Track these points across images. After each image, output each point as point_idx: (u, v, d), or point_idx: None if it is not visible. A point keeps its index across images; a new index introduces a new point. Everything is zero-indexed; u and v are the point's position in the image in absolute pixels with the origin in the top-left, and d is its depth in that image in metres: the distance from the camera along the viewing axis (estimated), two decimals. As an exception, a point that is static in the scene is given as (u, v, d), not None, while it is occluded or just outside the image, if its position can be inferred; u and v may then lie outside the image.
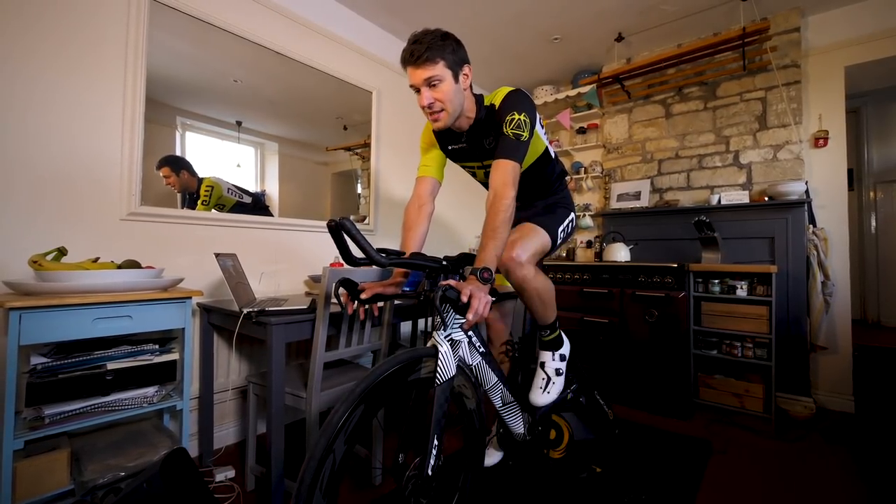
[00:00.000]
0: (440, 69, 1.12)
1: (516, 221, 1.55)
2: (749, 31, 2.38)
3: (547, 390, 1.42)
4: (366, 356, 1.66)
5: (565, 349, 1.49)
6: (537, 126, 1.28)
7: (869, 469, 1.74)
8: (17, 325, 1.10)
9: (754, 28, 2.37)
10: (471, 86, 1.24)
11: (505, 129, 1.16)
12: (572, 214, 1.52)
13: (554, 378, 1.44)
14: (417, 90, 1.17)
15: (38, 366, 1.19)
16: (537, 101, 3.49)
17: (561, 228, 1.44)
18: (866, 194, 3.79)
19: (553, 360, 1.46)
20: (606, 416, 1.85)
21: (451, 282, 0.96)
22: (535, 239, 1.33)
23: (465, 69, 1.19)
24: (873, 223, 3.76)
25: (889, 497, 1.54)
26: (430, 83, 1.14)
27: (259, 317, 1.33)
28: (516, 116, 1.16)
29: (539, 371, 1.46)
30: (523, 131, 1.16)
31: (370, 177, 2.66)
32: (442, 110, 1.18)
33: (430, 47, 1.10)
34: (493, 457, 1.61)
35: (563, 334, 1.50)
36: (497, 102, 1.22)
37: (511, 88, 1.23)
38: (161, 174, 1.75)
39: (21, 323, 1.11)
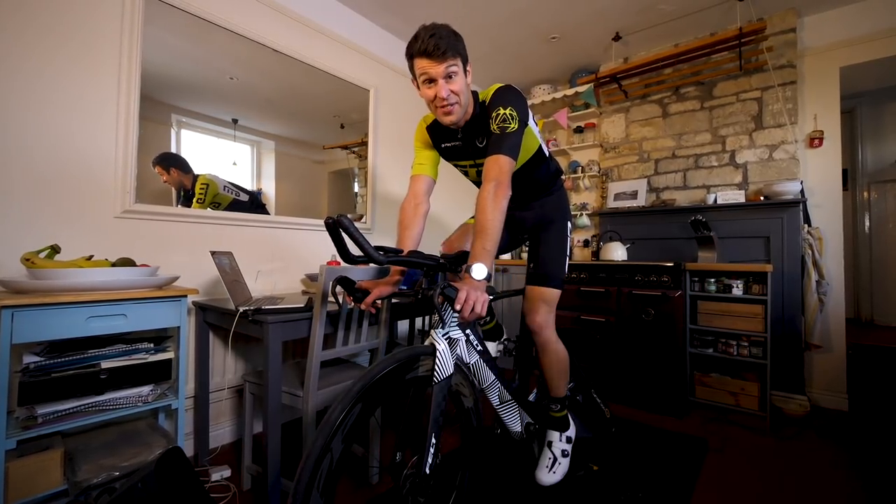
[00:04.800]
0: (458, 62, 1.14)
1: (516, 227, 1.55)
2: (745, 32, 2.39)
3: (553, 470, 1.46)
4: (363, 355, 1.65)
5: (571, 432, 1.54)
6: (530, 122, 1.27)
7: (863, 466, 1.75)
8: (9, 324, 1.09)
9: (751, 28, 2.38)
10: None
11: (492, 127, 1.17)
12: (570, 225, 1.53)
13: (560, 459, 1.48)
14: (429, 81, 1.15)
15: (31, 365, 1.17)
16: (535, 101, 3.49)
17: (567, 259, 1.48)
18: (860, 194, 3.82)
19: (560, 440, 1.50)
20: (603, 415, 1.86)
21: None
22: (552, 299, 1.44)
23: (468, 65, 1.20)
24: (867, 223, 3.79)
25: (883, 493, 1.55)
26: (448, 76, 1.13)
27: (255, 315, 1.32)
28: (501, 111, 1.16)
29: (546, 450, 1.50)
30: (509, 123, 1.16)
31: (367, 175, 2.65)
32: (456, 103, 1.18)
33: (448, 42, 1.10)
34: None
35: (570, 416, 1.55)
36: (488, 99, 1.23)
37: (500, 85, 1.24)
38: (157, 172, 1.74)
39: (13, 321, 1.09)
